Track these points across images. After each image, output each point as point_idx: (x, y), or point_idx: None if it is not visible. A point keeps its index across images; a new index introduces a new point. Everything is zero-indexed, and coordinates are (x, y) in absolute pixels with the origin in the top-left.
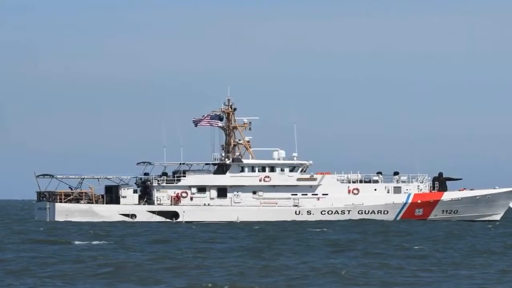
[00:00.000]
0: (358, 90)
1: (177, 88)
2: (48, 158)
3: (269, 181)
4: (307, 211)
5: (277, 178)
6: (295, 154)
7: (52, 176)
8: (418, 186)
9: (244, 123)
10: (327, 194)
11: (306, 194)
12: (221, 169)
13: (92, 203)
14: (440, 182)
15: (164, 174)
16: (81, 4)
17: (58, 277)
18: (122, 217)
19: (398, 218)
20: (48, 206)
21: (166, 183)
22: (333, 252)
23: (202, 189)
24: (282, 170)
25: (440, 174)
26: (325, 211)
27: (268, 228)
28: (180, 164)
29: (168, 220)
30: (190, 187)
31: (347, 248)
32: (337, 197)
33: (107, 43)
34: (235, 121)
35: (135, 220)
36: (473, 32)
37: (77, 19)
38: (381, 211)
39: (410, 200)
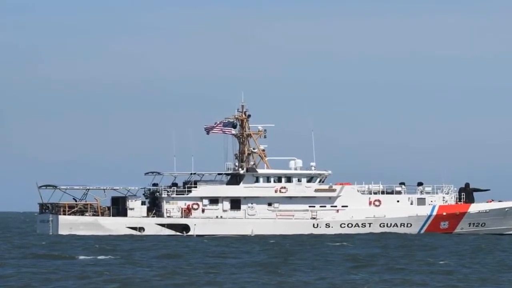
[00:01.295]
0: (379, 96)
1: (187, 94)
2: (51, 167)
3: (285, 192)
4: (326, 224)
5: (293, 189)
6: (312, 164)
7: (55, 186)
8: (444, 197)
9: (259, 131)
10: (346, 206)
11: (325, 206)
12: (235, 179)
13: (98, 215)
14: (467, 193)
15: (174, 184)
16: (83, 4)
17: None
18: (129, 230)
19: (422, 231)
20: (51, 219)
21: (176, 194)
22: (353, 267)
23: (214, 200)
24: (299, 180)
25: (467, 184)
26: (344, 224)
27: (284, 242)
28: (191, 174)
29: (178, 233)
30: (201, 198)
31: (368, 263)
32: (357, 209)
33: (112, 45)
34: (249, 129)
35: (143, 233)
36: (504, 34)
37: (80, 20)
38: (404, 224)
39: (434, 213)
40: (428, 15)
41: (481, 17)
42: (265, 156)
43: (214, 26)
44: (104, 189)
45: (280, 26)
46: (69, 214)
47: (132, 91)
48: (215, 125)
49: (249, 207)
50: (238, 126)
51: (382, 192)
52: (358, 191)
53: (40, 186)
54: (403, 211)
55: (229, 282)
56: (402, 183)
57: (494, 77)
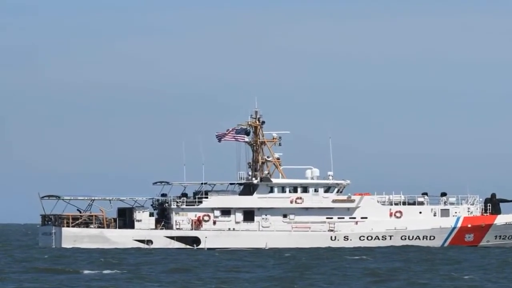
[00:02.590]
0: (401, 101)
1: (198, 99)
2: (53, 177)
3: (301, 203)
4: (344, 237)
5: (310, 199)
6: (330, 173)
7: (59, 197)
8: (468, 208)
9: (274, 138)
10: (366, 218)
11: (343, 218)
12: (248, 189)
13: (103, 227)
14: (493, 204)
15: (184, 195)
16: (89, 4)
17: None
18: (136, 243)
19: (446, 244)
20: (53, 231)
21: (186, 205)
22: (373, 282)
23: (226, 212)
24: (316, 190)
25: (493, 195)
26: (364, 236)
27: (300, 255)
28: (202, 184)
29: (188, 246)
30: (213, 209)
31: (389, 278)
32: (377, 220)
33: (119, 48)
34: (263, 136)
35: (152, 246)
36: None
37: (85, 21)
38: (426, 236)
39: (459, 224)
40: (458, 16)
41: (507, 18)
42: (280, 164)
43: (225, 27)
44: (110, 200)
45: (296, 27)
46: (73, 226)
47: (139, 96)
48: (227, 132)
49: (263, 218)
50: (251, 133)
51: (404, 203)
52: (378, 201)
53: (43, 197)
54: (425, 223)
55: None
56: (424, 194)
57: None
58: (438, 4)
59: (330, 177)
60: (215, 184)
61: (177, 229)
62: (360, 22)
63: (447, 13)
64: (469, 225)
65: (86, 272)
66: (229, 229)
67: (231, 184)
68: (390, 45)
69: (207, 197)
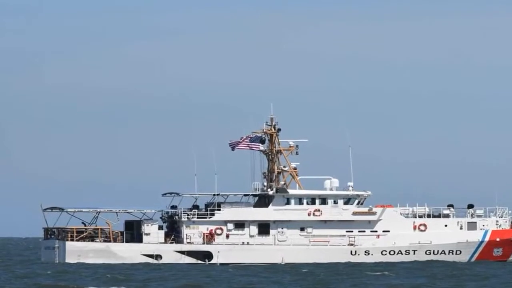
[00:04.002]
0: (424, 107)
1: (210, 105)
2: (57, 187)
3: (319, 216)
4: (365, 251)
5: (329, 212)
6: (350, 184)
7: (62, 209)
8: (497, 221)
9: (290, 147)
10: (388, 231)
11: (364, 231)
12: (263, 201)
13: (110, 241)
14: None
15: (195, 207)
16: (93, 6)
17: None
18: (145, 258)
19: (473, 259)
20: (57, 245)
21: (197, 217)
22: None
23: (240, 225)
24: (335, 202)
25: None
26: (386, 251)
27: (318, 271)
28: (214, 195)
29: (199, 261)
30: (226, 222)
31: None
32: (400, 234)
33: (126, 51)
34: (279, 144)
35: (161, 261)
36: None
37: (90, 23)
38: (452, 251)
39: (487, 238)
40: (486, 16)
41: None
42: (297, 175)
43: (239, 29)
44: (116, 212)
45: (313, 29)
46: (77, 240)
47: (148, 102)
48: (241, 140)
49: (279, 232)
50: (266, 142)
51: (428, 216)
52: (401, 214)
53: (45, 209)
54: (451, 236)
55: None
56: (450, 205)
57: None
58: (463, 4)
59: (350, 188)
60: (228, 196)
61: (187, 243)
62: (381, 23)
63: (473, 14)
64: (498, 239)
65: None
66: (243, 243)
67: (245, 195)
68: (412, 48)
69: (219, 209)
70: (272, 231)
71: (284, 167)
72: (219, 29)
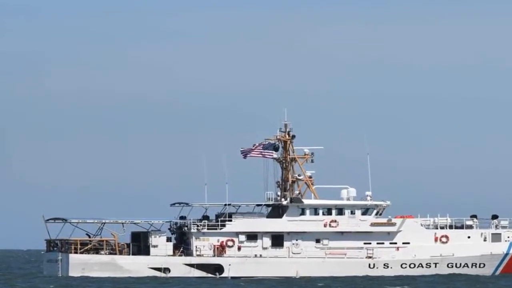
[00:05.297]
0: (446, 112)
1: (220, 110)
2: (59, 197)
3: (336, 227)
4: (384, 264)
5: (346, 222)
6: (368, 193)
7: (65, 220)
8: None
9: (305, 154)
10: (408, 243)
11: (383, 243)
12: (277, 211)
13: (115, 254)
14: None
15: (205, 217)
16: (98, 5)
17: None
18: (152, 271)
19: (497, 272)
20: (60, 258)
21: (208, 229)
22: None
23: (252, 236)
24: (352, 212)
25: None
26: (406, 264)
27: (335, 285)
28: (225, 205)
29: (210, 275)
30: (237, 234)
31: None
32: (421, 246)
33: (132, 54)
34: (293, 152)
35: (169, 275)
36: None
37: (94, 24)
38: (476, 264)
39: None
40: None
41: None
42: (312, 184)
43: (251, 30)
44: (122, 223)
45: (328, 30)
46: (81, 253)
47: (155, 106)
48: (253, 148)
49: (293, 244)
50: (280, 149)
51: (450, 227)
52: (422, 225)
53: (47, 219)
54: (474, 249)
55: None
56: (473, 216)
57: None
58: (487, 4)
59: (368, 198)
60: (239, 206)
61: (197, 255)
62: (400, 24)
63: (498, 14)
64: None
65: None
66: (256, 255)
67: (257, 205)
68: (434, 49)
69: (231, 220)
70: (286, 243)
71: (299, 175)
72: (229, 30)
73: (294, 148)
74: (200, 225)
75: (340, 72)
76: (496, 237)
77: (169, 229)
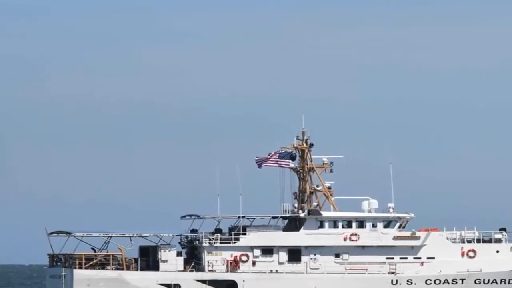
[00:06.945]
0: (474, 120)
1: (234, 117)
2: (63, 209)
3: (356, 241)
4: (407, 280)
5: (367, 236)
6: (391, 205)
7: (69, 233)
8: None
9: (324, 164)
10: (433, 258)
11: (406, 258)
12: (293, 224)
13: (122, 269)
14: None
15: (218, 231)
16: (104, 6)
17: None
18: (162, 287)
19: None
20: (63, 274)
21: (220, 243)
22: None
23: (268, 250)
24: (373, 225)
25: None
26: (431, 280)
27: None
28: (239, 217)
29: None
30: (252, 248)
31: None
32: (447, 261)
33: (140, 58)
34: (311, 161)
35: None
36: None
37: (100, 25)
38: (505, 280)
39: None
40: None
41: None
42: (331, 195)
43: (266, 33)
44: (130, 237)
45: (349, 33)
46: (86, 268)
47: (165, 114)
48: (269, 157)
49: (311, 259)
50: (297, 158)
51: (478, 240)
52: (447, 239)
53: (50, 233)
54: (504, 263)
55: None
56: (502, 229)
57: None
58: None
59: (391, 210)
60: (254, 218)
61: (209, 271)
62: (427, 26)
63: None
64: None
65: None
66: (271, 271)
67: (273, 218)
68: (463, 53)
69: (245, 234)
70: (303, 258)
71: (317, 186)
72: (244, 33)
73: (312, 157)
74: (213, 238)
75: (361, 77)
76: None
77: (179, 243)
